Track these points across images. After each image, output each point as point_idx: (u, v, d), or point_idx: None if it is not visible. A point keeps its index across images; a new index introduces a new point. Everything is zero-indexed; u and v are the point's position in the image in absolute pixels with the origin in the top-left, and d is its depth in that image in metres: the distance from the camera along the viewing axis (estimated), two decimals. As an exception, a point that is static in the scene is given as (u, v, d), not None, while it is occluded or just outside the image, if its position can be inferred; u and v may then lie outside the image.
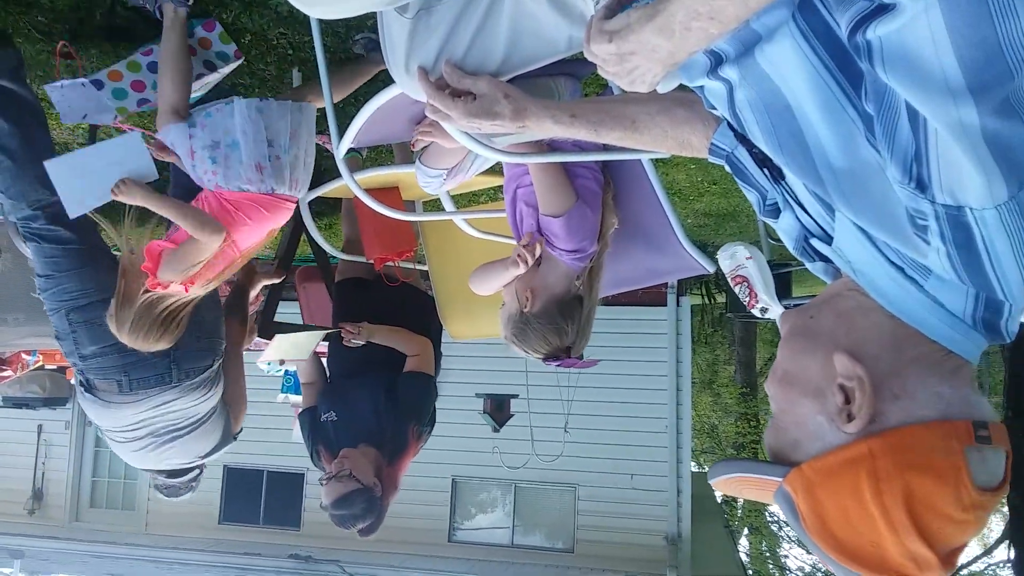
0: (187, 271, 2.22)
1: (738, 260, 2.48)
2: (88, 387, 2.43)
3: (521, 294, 1.79)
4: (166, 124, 2.31)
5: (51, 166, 2.19)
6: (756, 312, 2.58)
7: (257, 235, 2.42)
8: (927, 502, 0.67)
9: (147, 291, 2.21)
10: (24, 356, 4.98)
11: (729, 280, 2.57)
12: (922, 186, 0.63)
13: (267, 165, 2.29)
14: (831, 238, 0.80)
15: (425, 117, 1.90)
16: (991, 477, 0.69)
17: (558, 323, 1.78)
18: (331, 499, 2.44)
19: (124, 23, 2.68)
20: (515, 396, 7.28)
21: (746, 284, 2.49)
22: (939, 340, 0.72)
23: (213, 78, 2.64)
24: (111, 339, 2.29)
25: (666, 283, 7.74)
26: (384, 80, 2.78)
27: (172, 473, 2.59)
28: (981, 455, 0.69)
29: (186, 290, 2.26)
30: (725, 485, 0.82)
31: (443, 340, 3.14)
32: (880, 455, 0.69)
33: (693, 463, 10.32)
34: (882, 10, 0.59)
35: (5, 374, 5.03)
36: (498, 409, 7.14)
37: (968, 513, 0.68)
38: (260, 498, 9.25)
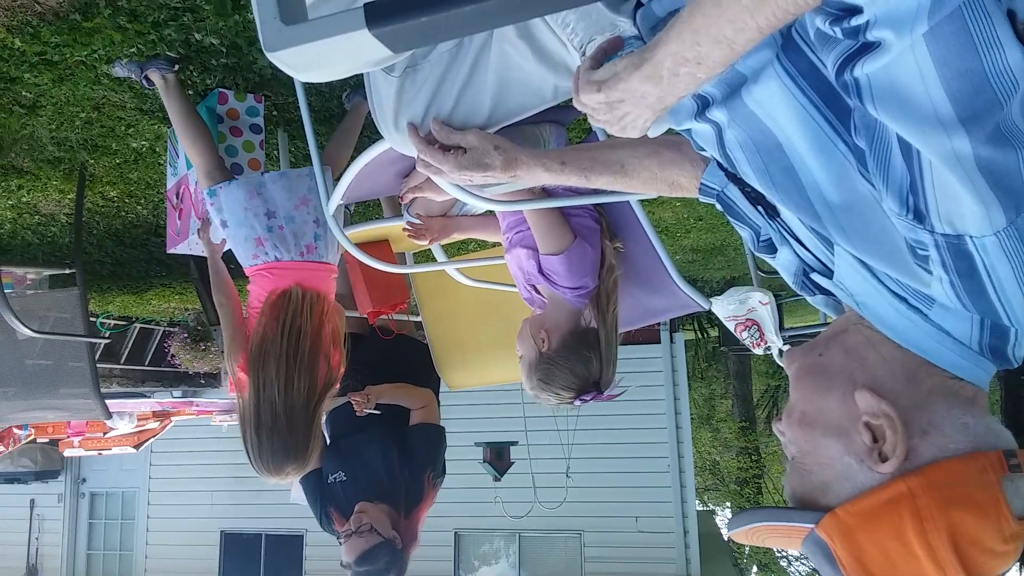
0: None
1: (750, 305, 2.43)
2: None
3: (536, 337, 1.80)
4: (206, 186, 2.36)
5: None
6: (759, 351, 2.55)
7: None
8: (971, 537, 0.67)
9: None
10: (16, 431, 4.92)
11: (732, 326, 2.51)
12: (920, 217, 0.64)
13: (267, 236, 2.29)
14: (831, 272, 0.80)
15: (412, 169, 1.92)
16: (1023, 504, 0.69)
17: (581, 352, 1.77)
18: (354, 556, 2.36)
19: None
20: (514, 443, 7.22)
21: (756, 328, 2.46)
22: (948, 368, 0.72)
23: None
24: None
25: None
26: (370, 135, 2.81)
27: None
28: (1014, 484, 0.68)
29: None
30: (746, 536, 0.79)
31: (441, 390, 3.12)
32: (920, 493, 0.68)
33: (697, 501, 10.20)
34: (867, 48, 0.60)
35: (-3, 450, 4.96)
36: (498, 457, 7.07)
37: (1009, 544, 0.67)
38: (259, 563, 9.07)
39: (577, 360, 1.79)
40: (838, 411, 0.75)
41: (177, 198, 3.00)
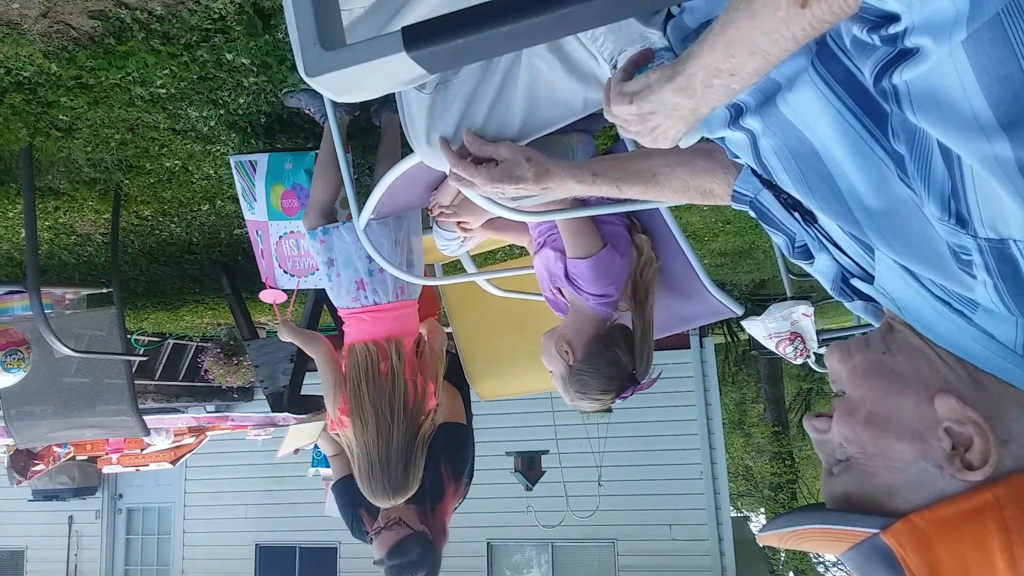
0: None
1: (794, 319, 2.39)
2: None
3: (560, 352, 1.80)
4: (313, 225, 2.44)
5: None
6: (799, 362, 2.51)
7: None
8: None
9: None
10: (55, 449, 5.01)
11: (773, 344, 2.47)
12: (962, 221, 0.63)
13: (368, 280, 2.36)
14: (872, 277, 0.80)
15: (441, 183, 1.94)
16: None
17: (607, 355, 1.77)
18: (386, 549, 2.37)
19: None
20: (545, 452, 7.20)
21: (800, 340, 2.42)
22: (994, 372, 0.71)
23: None
24: None
25: (687, 326, 7.69)
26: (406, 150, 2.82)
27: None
28: None
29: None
30: (781, 538, 0.78)
31: (472, 399, 3.13)
32: (1007, 504, 0.66)
33: (731, 508, 10.09)
34: (905, 55, 0.60)
35: (37, 468, 5.05)
36: (529, 467, 7.06)
37: None
38: (294, 575, 9.13)
39: (606, 363, 1.78)
40: (914, 414, 0.73)
41: (258, 236, 3.08)
